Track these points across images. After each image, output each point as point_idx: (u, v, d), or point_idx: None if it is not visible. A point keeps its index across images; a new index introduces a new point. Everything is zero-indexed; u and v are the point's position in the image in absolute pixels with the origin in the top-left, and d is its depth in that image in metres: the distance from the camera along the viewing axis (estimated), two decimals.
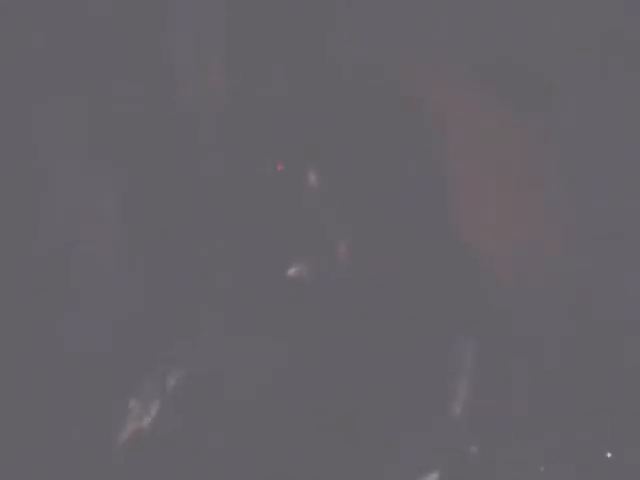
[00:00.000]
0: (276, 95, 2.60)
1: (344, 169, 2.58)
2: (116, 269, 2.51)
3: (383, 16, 2.58)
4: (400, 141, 2.57)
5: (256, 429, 2.41)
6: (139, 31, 2.58)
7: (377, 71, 2.58)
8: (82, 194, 2.53)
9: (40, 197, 2.52)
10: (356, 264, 2.52)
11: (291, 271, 2.52)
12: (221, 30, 2.61)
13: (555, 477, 2.39)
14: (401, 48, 2.59)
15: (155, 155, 2.56)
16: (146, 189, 2.55)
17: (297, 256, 2.54)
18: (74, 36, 2.55)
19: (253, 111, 2.59)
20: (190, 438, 2.40)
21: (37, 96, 2.54)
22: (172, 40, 2.59)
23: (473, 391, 2.44)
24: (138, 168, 2.55)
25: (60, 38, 2.55)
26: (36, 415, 2.40)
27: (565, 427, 2.41)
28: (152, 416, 2.40)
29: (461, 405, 2.43)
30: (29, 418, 2.40)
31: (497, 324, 2.47)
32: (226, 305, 2.50)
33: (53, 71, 2.55)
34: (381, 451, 2.41)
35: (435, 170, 2.55)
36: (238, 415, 2.42)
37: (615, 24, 2.50)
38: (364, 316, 2.48)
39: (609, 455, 2.37)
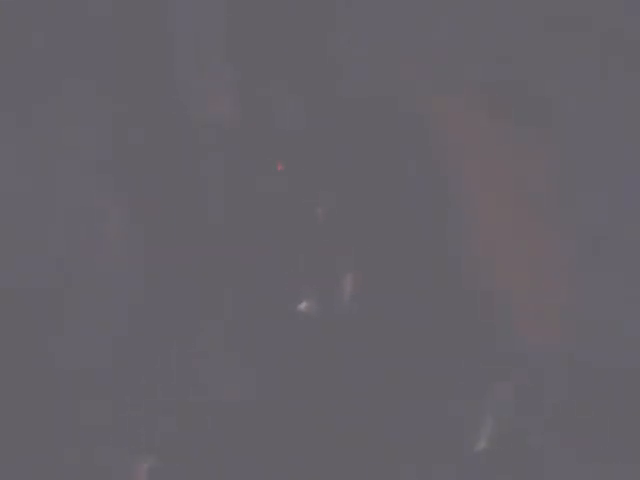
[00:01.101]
0: (276, 95, 2.60)
1: (344, 169, 2.58)
2: (116, 275, 2.51)
3: (383, 16, 2.58)
4: (400, 142, 2.57)
5: (264, 456, 2.41)
6: (139, 31, 2.58)
7: (377, 71, 2.58)
8: (82, 195, 2.53)
9: (40, 198, 2.52)
10: (359, 284, 2.53)
11: (291, 280, 2.53)
12: (221, 30, 2.61)
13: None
14: (401, 48, 2.59)
15: (155, 155, 2.56)
16: (146, 189, 2.55)
17: (296, 261, 2.54)
18: (74, 36, 2.55)
19: (253, 111, 2.60)
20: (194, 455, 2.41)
21: (37, 96, 2.54)
22: (172, 40, 2.59)
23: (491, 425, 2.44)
24: (138, 168, 2.56)
25: (60, 38, 2.55)
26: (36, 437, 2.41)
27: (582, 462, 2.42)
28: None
29: (479, 439, 2.43)
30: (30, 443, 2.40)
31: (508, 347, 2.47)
32: (226, 317, 2.50)
33: (53, 71, 2.55)
34: (373, 440, 2.42)
35: (436, 172, 2.55)
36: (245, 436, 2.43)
37: (615, 24, 2.50)
38: (373, 344, 2.48)
39: None
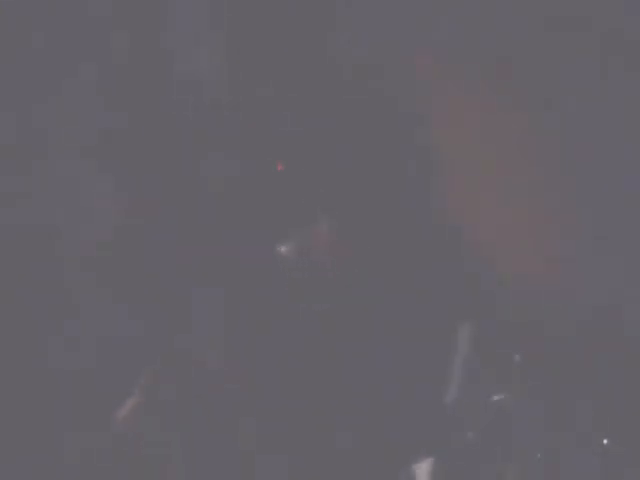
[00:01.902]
0: (276, 95, 2.60)
1: (344, 169, 2.58)
2: (116, 275, 2.51)
3: (383, 16, 2.58)
4: (400, 142, 2.57)
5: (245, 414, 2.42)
6: (139, 31, 2.58)
7: (377, 71, 2.58)
8: (82, 195, 2.54)
9: (39, 198, 2.52)
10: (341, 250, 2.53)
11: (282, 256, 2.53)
12: (221, 30, 2.61)
13: (553, 466, 2.40)
14: (401, 48, 2.59)
15: (155, 156, 2.56)
16: (146, 189, 2.55)
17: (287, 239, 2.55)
18: (74, 36, 2.55)
19: (253, 111, 2.60)
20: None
21: (37, 96, 2.54)
22: (172, 40, 2.59)
23: (469, 378, 2.45)
24: (138, 168, 2.56)
25: (60, 38, 2.55)
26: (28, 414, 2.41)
27: (565, 418, 2.42)
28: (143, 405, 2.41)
29: (457, 392, 2.44)
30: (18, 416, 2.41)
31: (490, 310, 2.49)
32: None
33: (53, 71, 2.55)
34: (373, 440, 2.42)
35: (436, 172, 2.56)
36: (228, 400, 2.43)
37: (615, 24, 2.49)
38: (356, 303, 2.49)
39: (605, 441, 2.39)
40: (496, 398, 2.44)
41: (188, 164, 2.57)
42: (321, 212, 2.57)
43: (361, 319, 2.50)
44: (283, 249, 2.54)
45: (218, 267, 2.53)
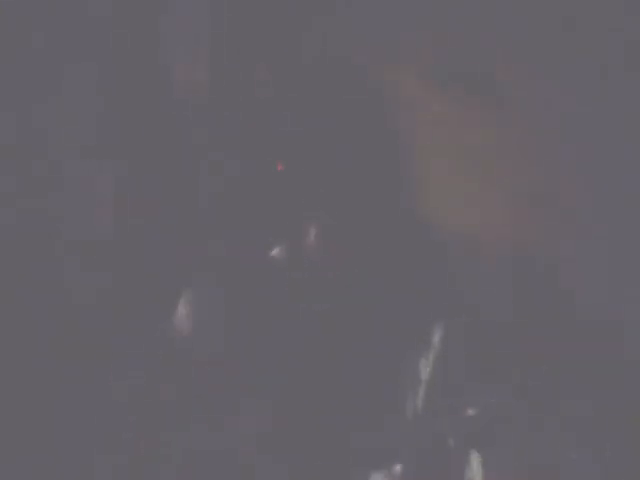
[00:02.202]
0: (275, 95, 2.60)
1: (344, 169, 2.59)
2: (116, 275, 2.52)
3: (383, 16, 2.59)
4: (400, 142, 2.58)
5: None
6: (139, 32, 2.58)
7: (376, 71, 2.59)
8: (81, 194, 2.54)
9: (39, 198, 2.52)
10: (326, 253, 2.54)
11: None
12: (221, 31, 2.61)
13: (552, 466, 2.40)
14: (400, 47, 2.59)
15: (155, 156, 2.56)
16: (146, 190, 2.56)
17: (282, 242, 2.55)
18: (74, 36, 2.56)
19: (253, 111, 2.60)
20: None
21: (37, 96, 2.54)
22: (171, 41, 2.59)
23: (435, 388, 2.46)
24: (138, 168, 2.56)
25: (60, 38, 2.55)
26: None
27: (534, 427, 2.42)
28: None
29: (423, 402, 2.45)
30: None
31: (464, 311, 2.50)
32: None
33: (53, 71, 2.55)
34: (337, 446, 2.43)
35: (436, 173, 2.56)
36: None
37: (615, 24, 2.50)
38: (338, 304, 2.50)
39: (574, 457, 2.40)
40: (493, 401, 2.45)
41: (188, 164, 2.57)
42: (321, 212, 2.57)
43: (360, 319, 2.51)
44: (282, 249, 2.54)
45: (218, 267, 2.53)
